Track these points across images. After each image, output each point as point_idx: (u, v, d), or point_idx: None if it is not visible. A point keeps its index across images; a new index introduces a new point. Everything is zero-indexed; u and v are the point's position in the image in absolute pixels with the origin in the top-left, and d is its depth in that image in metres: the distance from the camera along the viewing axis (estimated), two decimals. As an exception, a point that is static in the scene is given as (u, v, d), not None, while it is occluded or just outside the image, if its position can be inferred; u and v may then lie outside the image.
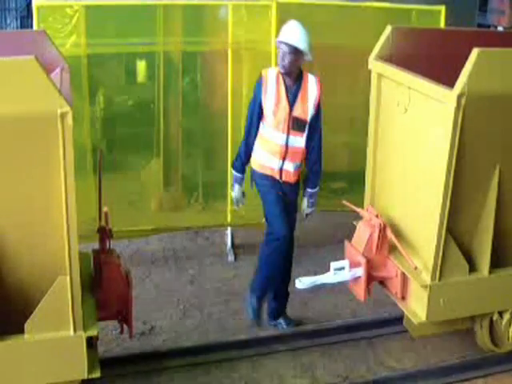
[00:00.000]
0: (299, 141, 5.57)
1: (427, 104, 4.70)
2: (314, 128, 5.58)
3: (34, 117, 3.72)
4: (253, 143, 5.70)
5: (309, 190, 5.77)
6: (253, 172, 5.80)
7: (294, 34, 5.41)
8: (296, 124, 5.51)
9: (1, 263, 3.97)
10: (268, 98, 5.51)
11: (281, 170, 5.61)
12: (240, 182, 5.81)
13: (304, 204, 5.82)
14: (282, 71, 5.47)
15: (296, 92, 5.52)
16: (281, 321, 6.06)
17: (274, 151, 5.58)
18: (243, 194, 5.89)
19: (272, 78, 5.53)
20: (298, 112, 5.50)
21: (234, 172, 5.85)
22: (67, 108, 3.72)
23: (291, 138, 5.53)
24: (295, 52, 5.38)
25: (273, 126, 5.53)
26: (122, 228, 6.49)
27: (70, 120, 3.74)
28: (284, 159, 5.57)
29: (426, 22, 7.19)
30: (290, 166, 5.61)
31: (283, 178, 5.63)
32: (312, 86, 5.54)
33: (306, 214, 5.89)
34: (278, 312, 6.07)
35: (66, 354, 4.13)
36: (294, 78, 5.53)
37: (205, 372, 5.41)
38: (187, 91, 7.35)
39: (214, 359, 5.54)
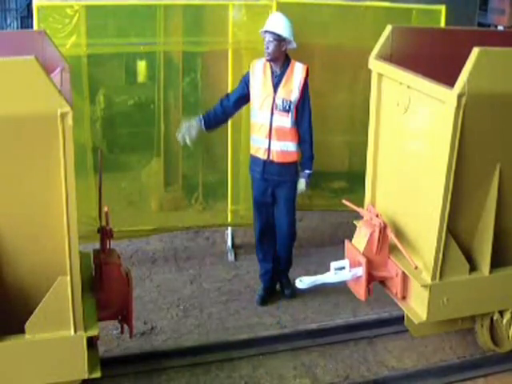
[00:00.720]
0: (284, 120, 5.99)
1: (427, 103, 4.70)
2: (301, 113, 6.03)
3: (35, 117, 3.72)
4: (227, 107, 6.17)
5: (306, 172, 6.15)
6: (250, 158, 6.32)
7: (276, 22, 5.95)
8: (280, 104, 5.96)
9: (1, 263, 3.97)
10: (255, 82, 6.04)
11: (268, 149, 6.05)
12: (197, 119, 6.12)
13: (302, 184, 6.17)
14: (268, 58, 5.96)
15: (281, 76, 6.01)
16: (283, 284, 6.60)
17: (260, 131, 6.07)
18: (193, 131, 6.11)
19: (259, 65, 6.07)
20: (281, 93, 5.97)
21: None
22: (67, 108, 3.72)
23: (275, 117, 5.99)
24: (278, 39, 5.88)
25: (258, 107, 6.04)
26: (123, 228, 6.49)
27: (70, 120, 3.73)
28: (270, 138, 6.02)
29: (427, 22, 7.15)
30: (277, 146, 6.04)
31: (271, 157, 6.08)
32: (298, 70, 6.00)
33: (302, 193, 6.31)
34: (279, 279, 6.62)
35: (67, 354, 4.14)
36: (280, 64, 6.01)
37: (205, 372, 5.42)
38: (187, 91, 7.34)
39: (214, 359, 5.56)
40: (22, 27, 14.81)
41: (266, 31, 5.91)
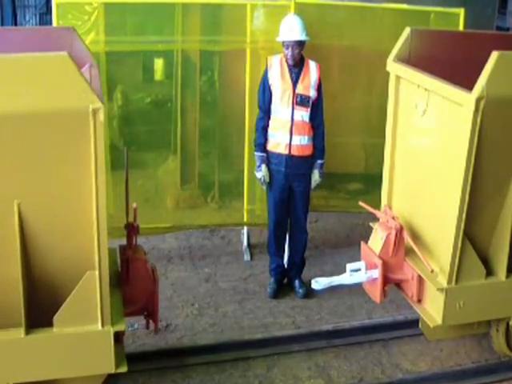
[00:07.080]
0: (304, 115, 6.20)
1: (445, 107, 4.69)
2: (316, 109, 6.25)
3: (66, 113, 3.72)
4: (268, 121, 6.28)
5: (319, 161, 6.37)
6: (266, 153, 6.37)
7: (297, 28, 6.12)
8: (300, 99, 6.17)
9: (31, 257, 3.99)
10: (273, 78, 6.21)
11: (290, 144, 6.22)
12: (265, 160, 6.30)
13: (316, 175, 6.39)
14: (293, 63, 6.16)
15: (298, 73, 6.21)
16: (296, 284, 6.65)
17: (282, 126, 6.22)
18: (267, 177, 6.33)
19: (275, 61, 6.25)
20: (300, 89, 6.17)
21: (257, 153, 6.33)
22: (99, 104, 3.72)
23: (296, 112, 6.18)
24: (301, 43, 6.14)
25: (279, 102, 6.19)
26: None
27: (101, 116, 3.73)
28: (291, 133, 6.20)
29: (445, 25, 7.13)
30: (297, 140, 6.23)
31: (292, 152, 6.24)
32: (313, 69, 6.23)
33: (317, 184, 6.49)
34: (293, 276, 6.72)
35: (94, 348, 4.15)
36: (297, 62, 6.21)
37: (219, 370, 5.45)
38: (205, 90, 7.35)
39: (228, 358, 5.59)
40: (40, 24, 14.82)
41: (290, 40, 6.07)
